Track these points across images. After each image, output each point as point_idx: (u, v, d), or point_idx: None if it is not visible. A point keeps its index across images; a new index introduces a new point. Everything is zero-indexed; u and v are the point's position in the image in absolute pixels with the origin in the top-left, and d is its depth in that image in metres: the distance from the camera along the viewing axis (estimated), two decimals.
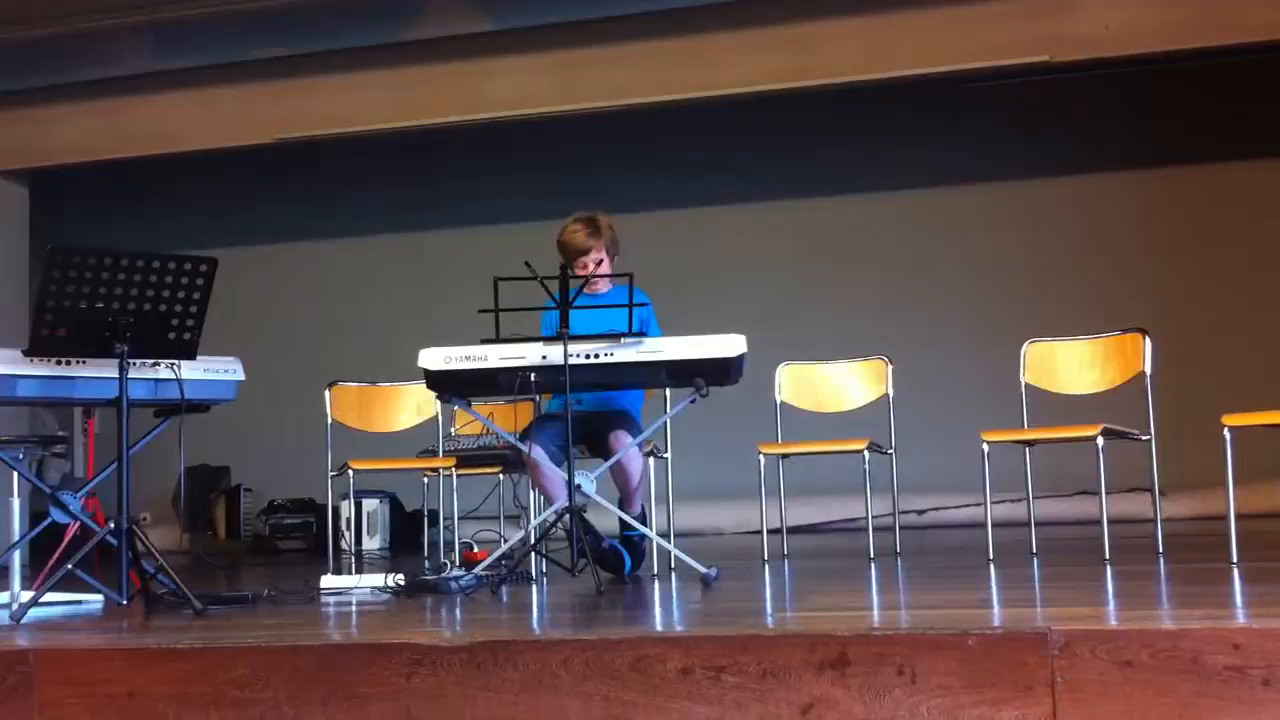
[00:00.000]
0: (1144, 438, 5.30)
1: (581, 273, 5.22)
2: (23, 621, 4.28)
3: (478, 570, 4.98)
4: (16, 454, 4.87)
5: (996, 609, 3.70)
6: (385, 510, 8.90)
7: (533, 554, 5.15)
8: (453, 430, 6.53)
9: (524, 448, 5.05)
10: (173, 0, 8.06)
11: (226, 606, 4.58)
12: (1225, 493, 4.71)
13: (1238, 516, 4.73)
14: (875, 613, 3.77)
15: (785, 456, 6.01)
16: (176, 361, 4.75)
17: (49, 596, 4.55)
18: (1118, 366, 5.63)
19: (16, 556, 4.70)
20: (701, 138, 9.42)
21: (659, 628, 3.62)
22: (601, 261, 5.31)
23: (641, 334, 4.87)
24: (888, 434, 5.99)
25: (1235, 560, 4.60)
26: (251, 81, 8.51)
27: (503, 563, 5.14)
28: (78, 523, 4.81)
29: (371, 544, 8.68)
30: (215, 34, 8.32)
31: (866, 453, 5.74)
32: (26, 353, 4.50)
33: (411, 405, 6.39)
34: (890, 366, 6.16)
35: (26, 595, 4.50)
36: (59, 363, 4.58)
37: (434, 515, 6.79)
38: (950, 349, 9.05)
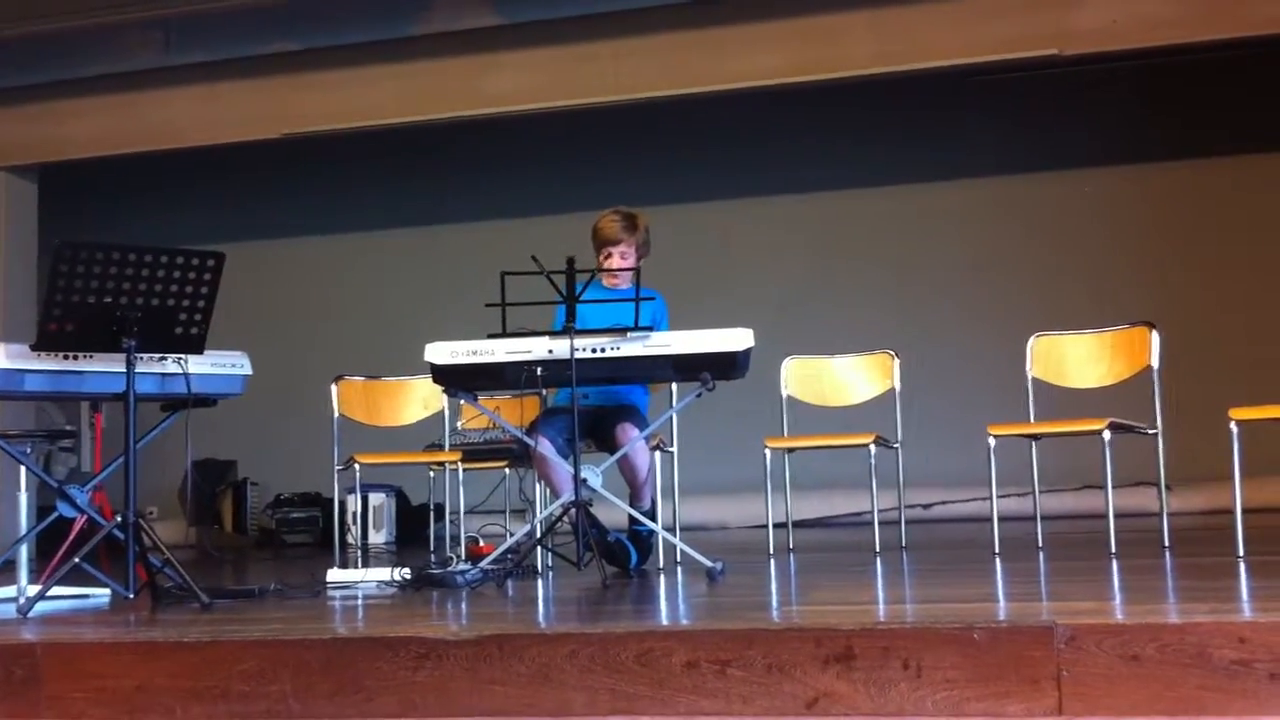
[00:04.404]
0: (1151, 432, 5.29)
1: (606, 263, 5.25)
2: (30, 615, 4.29)
3: (484, 564, 4.99)
4: (24, 448, 4.88)
5: (1002, 603, 3.70)
6: (391, 504, 8.92)
7: (539, 548, 5.15)
8: (459, 424, 6.54)
9: (530, 441, 5.06)
10: None
11: (233, 600, 4.59)
12: (1232, 487, 4.71)
13: (1244, 510, 4.73)
14: (880, 607, 3.77)
15: (791, 450, 6.01)
16: (184, 356, 4.75)
17: (56, 590, 4.57)
18: (1125, 360, 5.62)
19: (23, 550, 4.71)
20: (709, 132, 9.42)
21: (664, 622, 3.62)
22: (627, 256, 5.33)
23: (648, 328, 4.87)
24: (894, 428, 5.99)
25: (1242, 554, 4.60)
26: (259, 77, 8.52)
27: (509, 557, 5.14)
28: (85, 516, 4.82)
29: (378, 538, 8.69)
30: (222, 30, 8.34)
31: (872, 447, 5.73)
32: (34, 347, 4.50)
33: (418, 399, 6.39)
34: (896, 360, 6.15)
35: (33, 589, 4.52)
36: (67, 357, 4.58)
37: (440, 509, 6.79)
38: (957, 343, 9.05)
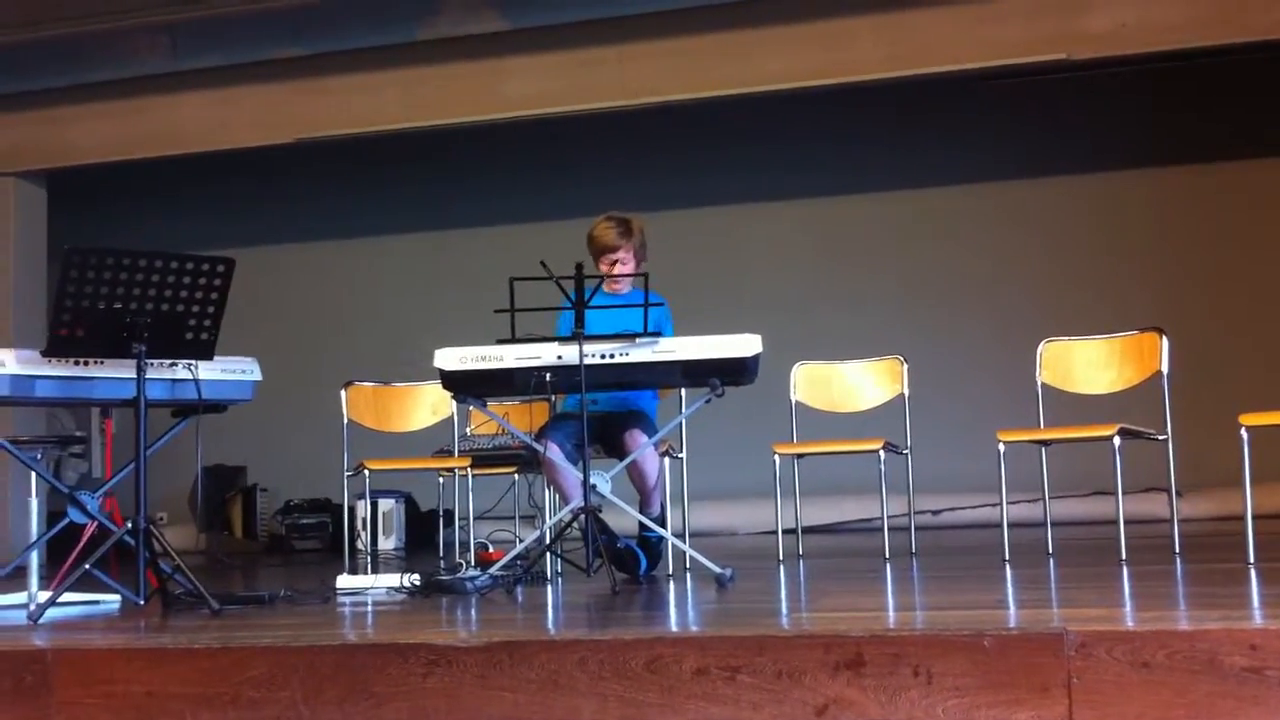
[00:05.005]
0: (1160, 437, 5.28)
1: (606, 270, 5.25)
2: (40, 621, 4.30)
3: (493, 570, 4.99)
4: (35, 454, 4.89)
5: (1012, 609, 3.69)
6: (401, 510, 8.92)
7: (548, 554, 5.15)
8: (468, 430, 6.54)
9: (539, 447, 5.06)
10: (189, 1, 8.08)
11: (243, 606, 4.60)
12: (1242, 492, 4.70)
13: (1255, 516, 4.72)
14: (890, 613, 3.76)
15: (800, 456, 6.00)
16: (194, 362, 4.77)
17: (66, 596, 4.57)
18: (1134, 366, 5.61)
19: (34, 556, 4.71)
20: (717, 136, 9.42)
21: (674, 628, 3.62)
22: (626, 262, 5.33)
23: (657, 334, 4.87)
24: (903, 434, 5.98)
25: (1253, 561, 4.59)
26: (267, 82, 8.53)
27: (518, 563, 5.14)
28: (95, 522, 4.83)
29: (387, 544, 8.70)
30: (231, 35, 8.35)
31: (882, 452, 5.73)
32: (44, 353, 4.51)
33: (427, 405, 6.40)
34: (905, 366, 6.14)
35: (44, 595, 4.52)
36: (77, 363, 4.60)
37: (449, 515, 6.80)
38: (966, 348, 9.03)
